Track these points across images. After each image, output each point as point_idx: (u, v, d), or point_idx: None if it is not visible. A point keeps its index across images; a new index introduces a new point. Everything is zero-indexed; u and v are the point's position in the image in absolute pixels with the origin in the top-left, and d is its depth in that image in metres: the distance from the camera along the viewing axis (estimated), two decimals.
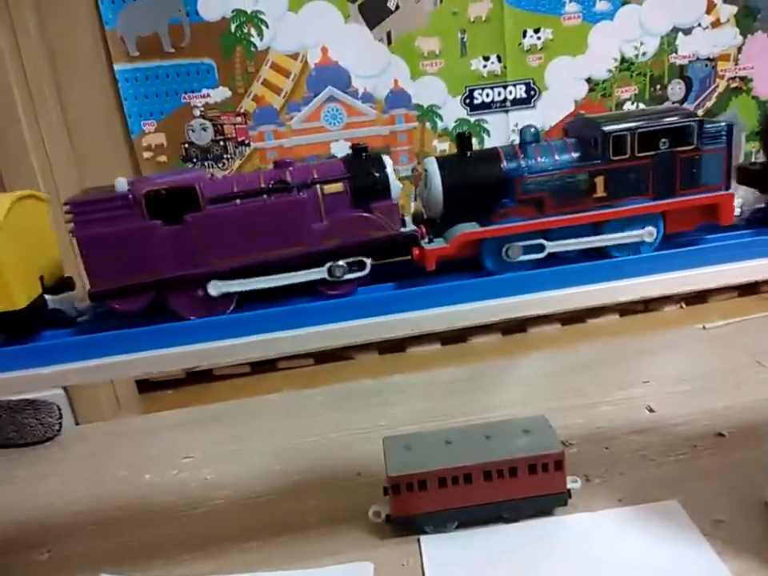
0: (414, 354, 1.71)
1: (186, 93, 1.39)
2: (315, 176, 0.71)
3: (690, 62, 1.54)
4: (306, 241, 0.71)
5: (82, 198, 0.70)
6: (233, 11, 1.36)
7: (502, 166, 0.73)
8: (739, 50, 1.56)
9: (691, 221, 0.73)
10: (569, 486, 1.03)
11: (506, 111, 1.50)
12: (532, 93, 1.50)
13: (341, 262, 0.71)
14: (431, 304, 0.72)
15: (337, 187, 0.71)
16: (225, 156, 1.43)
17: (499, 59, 1.47)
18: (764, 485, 1.02)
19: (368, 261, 0.73)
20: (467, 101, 1.49)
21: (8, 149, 1.32)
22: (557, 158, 0.73)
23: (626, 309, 1.76)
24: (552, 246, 0.72)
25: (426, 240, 0.73)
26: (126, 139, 1.40)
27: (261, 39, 1.38)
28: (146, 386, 1.57)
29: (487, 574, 0.95)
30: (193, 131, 1.41)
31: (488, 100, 1.49)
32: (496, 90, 1.49)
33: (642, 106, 1.55)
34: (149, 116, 1.39)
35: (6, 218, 0.68)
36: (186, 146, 1.42)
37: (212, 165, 1.42)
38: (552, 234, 0.72)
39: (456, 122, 1.50)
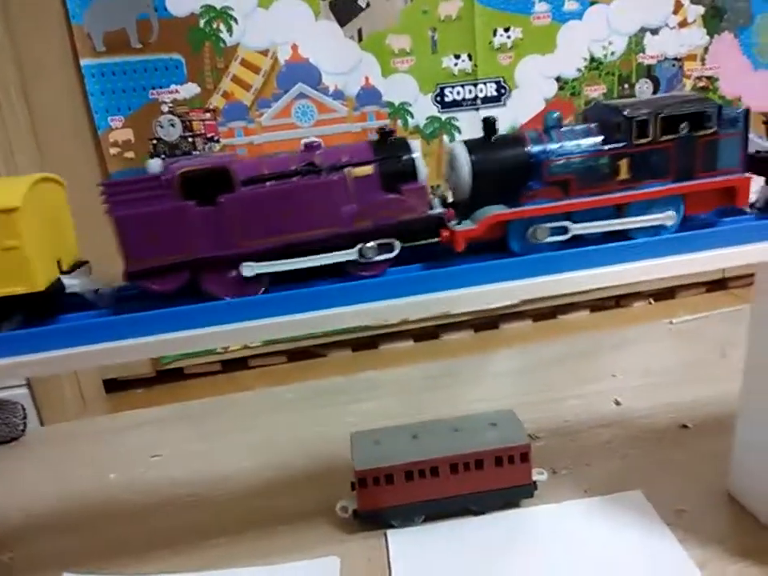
0: (387, 351, 1.72)
1: (153, 88, 1.38)
2: (344, 159, 0.72)
3: (657, 61, 1.57)
4: (337, 222, 0.72)
5: (117, 179, 0.72)
6: (202, 7, 1.35)
7: (528, 149, 0.74)
8: (706, 50, 1.59)
9: (710, 203, 0.76)
10: (535, 477, 1.04)
11: (477, 109, 1.51)
12: (502, 91, 1.52)
13: (371, 244, 0.72)
14: (460, 284, 0.73)
15: (366, 170, 0.72)
16: (193, 152, 1.42)
17: (470, 57, 1.48)
18: (726, 475, 1.04)
19: (397, 242, 0.74)
20: (438, 98, 1.50)
21: None
22: (581, 141, 0.75)
23: (597, 305, 1.78)
24: (577, 228, 0.74)
25: (455, 222, 0.74)
26: (92, 135, 1.38)
27: (230, 35, 1.37)
28: (114, 385, 1.55)
29: (453, 567, 0.96)
30: (161, 127, 1.40)
31: (459, 98, 1.50)
32: (467, 87, 1.50)
33: None
34: (116, 112, 1.38)
35: (25, 199, 0.69)
36: (154, 142, 1.40)
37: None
38: (576, 215, 0.74)
39: (427, 119, 1.51)
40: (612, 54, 1.53)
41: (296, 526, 1.07)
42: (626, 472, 1.11)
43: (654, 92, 1.58)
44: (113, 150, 1.40)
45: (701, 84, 1.60)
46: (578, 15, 1.49)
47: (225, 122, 1.42)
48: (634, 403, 1.31)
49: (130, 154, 1.40)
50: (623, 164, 0.74)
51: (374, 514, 1.02)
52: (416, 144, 0.74)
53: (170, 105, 1.39)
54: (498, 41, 1.48)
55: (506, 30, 1.47)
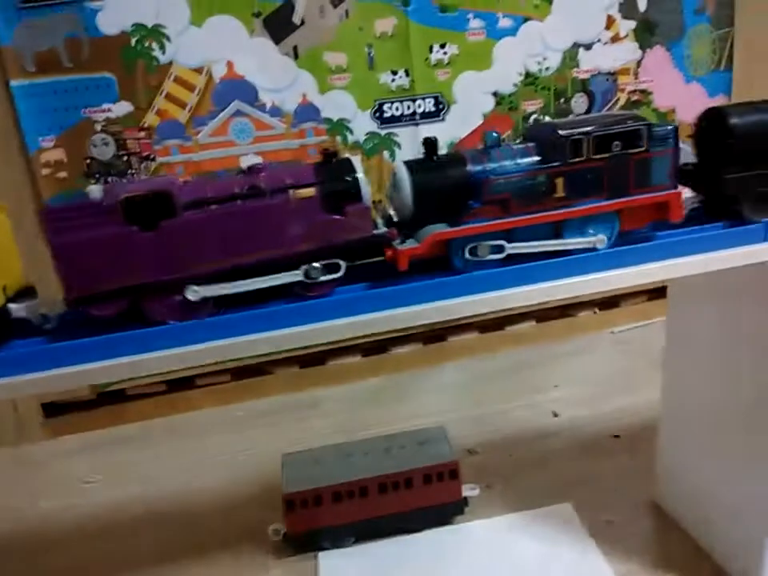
0: (335, 366, 1.71)
1: (86, 107, 1.36)
2: (288, 181, 0.73)
3: (591, 76, 1.60)
4: (282, 244, 0.72)
5: (56, 205, 0.71)
6: (132, 25, 1.34)
7: (468, 169, 0.76)
8: (639, 63, 1.63)
9: (644, 218, 0.79)
10: (467, 493, 1.05)
11: (416, 124, 1.53)
12: (441, 106, 1.53)
13: (316, 264, 0.73)
14: (404, 302, 0.75)
15: (309, 192, 0.73)
16: (129, 171, 1.40)
17: (407, 73, 1.49)
18: (653, 485, 1.06)
19: (343, 262, 0.75)
20: (377, 114, 1.50)
21: None
22: (519, 160, 0.77)
23: (543, 315, 1.80)
24: (511, 248, 0.77)
25: (398, 241, 0.76)
26: (23, 156, 1.36)
27: (163, 53, 1.36)
28: (53, 409, 1.52)
29: None
30: (94, 146, 1.38)
31: (397, 113, 1.51)
32: (405, 103, 1.51)
33: (547, 118, 1.59)
34: (47, 132, 1.36)
35: None
36: (88, 161, 1.38)
37: (115, 181, 1.39)
38: (516, 232, 0.77)
39: (367, 135, 1.51)
40: (547, 69, 1.56)
41: (229, 550, 1.06)
42: (559, 484, 1.12)
43: (589, 106, 1.61)
44: (45, 171, 1.38)
45: (635, 97, 1.64)
46: (512, 32, 1.51)
47: (160, 140, 1.41)
48: (571, 414, 1.33)
49: (62, 174, 1.38)
50: (559, 182, 0.77)
51: (304, 536, 1.02)
52: (359, 164, 0.75)
53: (103, 124, 1.37)
54: (434, 57, 1.49)
55: (442, 46, 1.49)
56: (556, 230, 0.78)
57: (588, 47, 1.57)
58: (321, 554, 1.01)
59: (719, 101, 1.67)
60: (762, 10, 1.62)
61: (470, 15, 1.49)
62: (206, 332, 0.72)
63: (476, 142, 1.60)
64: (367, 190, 0.75)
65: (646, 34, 1.62)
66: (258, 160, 1.46)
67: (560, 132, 0.76)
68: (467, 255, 0.75)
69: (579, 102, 1.60)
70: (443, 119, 1.54)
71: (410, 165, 0.76)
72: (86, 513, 1.18)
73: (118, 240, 0.69)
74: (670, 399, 1.01)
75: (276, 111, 1.45)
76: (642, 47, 1.62)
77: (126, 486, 1.25)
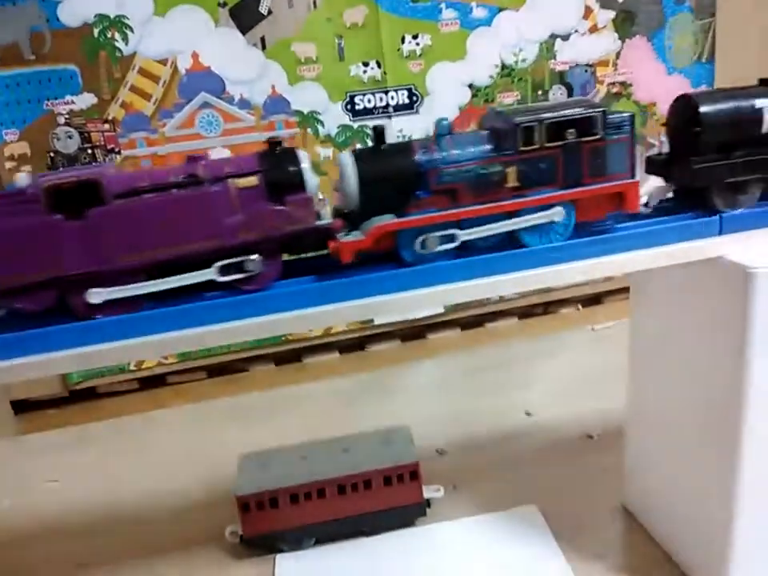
0: (311, 364, 1.68)
1: (48, 100, 1.33)
2: (228, 170, 0.71)
3: (569, 67, 1.56)
4: (219, 235, 0.70)
5: None
6: (95, 16, 1.31)
7: (415, 157, 0.73)
8: (618, 55, 1.59)
9: (601, 209, 0.76)
10: (430, 495, 1.02)
11: (389, 117, 1.49)
12: (414, 98, 1.50)
13: (254, 256, 0.71)
14: (348, 296, 0.72)
15: (250, 181, 0.71)
16: (94, 165, 1.37)
17: (379, 65, 1.46)
18: (622, 488, 1.03)
19: (282, 255, 0.73)
20: (349, 107, 1.47)
21: None
22: (470, 149, 0.74)
23: (525, 311, 1.77)
24: (464, 235, 0.73)
25: (343, 233, 0.73)
26: None
27: (126, 44, 1.33)
28: (23, 405, 1.50)
29: None
30: (58, 139, 1.35)
31: (370, 106, 1.48)
32: (378, 95, 1.48)
33: None
34: (10, 125, 1.33)
35: None
36: (52, 154, 1.36)
37: None
38: (468, 224, 0.74)
39: (338, 127, 1.48)
40: (523, 60, 1.52)
41: (186, 551, 1.03)
42: (527, 486, 1.09)
43: (568, 98, 1.58)
44: (8, 165, 1.35)
45: (614, 90, 1.60)
46: (487, 22, 1.48)
47: (125, 133, 1.38)
48: (544, 414, 1.30)
49: (26, 168, 1.35)
50: (511, 171, 0.74)
51: (261, 538, 0.99)
52: (304, 154, 0.73)
53: (67, 116, 1.34)
54: (406, 48, 1.46)
55: (414, 37, 1.45)
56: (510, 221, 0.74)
57: (565, 38, 1.54)
58: (278, 557, 0.99)
59: None
60: None
61: (443, 5, 1.46)
62: (135, 327, 0.69)
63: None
64: (312, 181, 0.72)
65: (625, 24, 1.58)
66: (227, 153, 1.43)
67: (512, 119, 0.73)
68: (416, 247, 0.72)
69: (557, 95, 1.57)
70: (417, 111, 1.51)
71: (355, 154, 0.73)
72: (45, 512, 1.16)
73: (40, 229, 0.66)
74: (635, 400, 0.98)
75: (245, 104, 1.42)
76: (622, 38, 1.58)
77: (89, 486, 1.22)
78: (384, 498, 0.99)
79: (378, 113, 1.49)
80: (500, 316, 1.77)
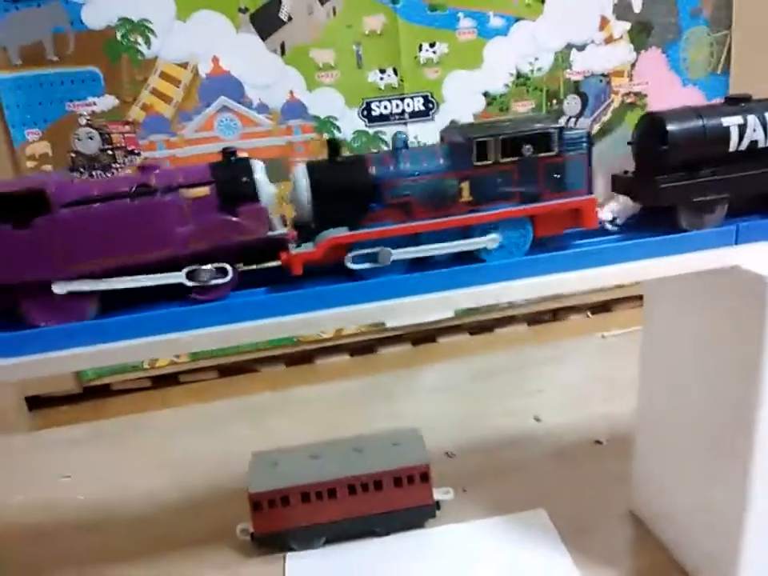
0: (322, 365, 1.70)
1: (71, 101, 1.35)
2: (180, 180, 0.71)
3: (584, 77, 1.57)
4: (170, 245, 0.70)
5: None
6: (118, 19, 1.34)
7: (370, 171, 0.74)
8: (633, 65, 1.60)
9: (559, 225, 0.76)
10: (439, 497, 1.03)
11: (405, 123, 1.51)
12: (430, 105, 1.51)
13: (207, 266, 0.71)
14: (301, 308, 0.72)
15: (203, 191, 0.71)
16: (114, 165, 1.40)
17: (395, 72, 1.48)
18: (630, 494, 1.03)
19: (236, 265, 0.73)
20: (365, 113, 1.49)
21: None
22: (425, 163, 0.75)
23: (534, 318, 1.78)
24: (416, 251, 0.73)
25: (296, 245, 0.73)
26: (8, 148, 1.36)
27: (148, 47, 1.36)
28: (37, 402, 1.52)
29: None
30: (79, 140, 1.37)
31: (386, 112, 1.50)
32: (394, 102, 1.49)
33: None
34: (33, 125, 1.36)
35: None
36: (73, 155, 1.38)
37: (100, 174, 1.39)
38: (423, 237, 0.74)
39: (354, 133, 1.50)
40: (539, 69, 1.54)
41: (198, 548, 1.05)
42: (535, 490, 1.10)
43: (583, 107, 1.59)
44: (30, 164, 1.38)
45: (629, 100, 1.61)
46: (504, 31, 1.50)
47: (145, 135, 1.41)
48: (553, 419, 1.31)
49: (48, 167, 1.38)
50: (465, 186, 0.74)
51: (271, 537, 1.00)
52: (259, 165, 0.73)
53: (88, 117, 1.37)
54: (423, 56, 1.48)
55: (432, 45, 1.47)
56: (465, 236, 0.75)
57: (581, 48, 1.55)
58: (288, 555, 1.00)
59: None
60: (760, 12, 1.60)
61: (461, 14, 1.48)
62: (84, 336, 0.70)
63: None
64: (267, 191, 0.72)
65: (641, 35, 1.59)
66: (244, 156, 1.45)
67: (467, 134, 0.73)
68: (368, 261, 0.73)
69: (572, 104, 1.58)
70: (432, 118, 1.52)
71: (309, 166, 0.74)
72: (60, 508, 1.18)
73: None
74: (645, 407, 0.99)
75: (263, 108, 1.44)
76: (637, 49, 1.59)
77: (102, 483, 1.24)
78: (394, 499, 1.00)
79: (395, 119, 1.50)
80: (509, 322, 1.78)
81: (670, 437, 0.91)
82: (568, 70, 1.56)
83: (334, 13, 1.42)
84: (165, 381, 1.60)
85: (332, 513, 1.00)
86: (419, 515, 1.03)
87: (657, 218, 0.77)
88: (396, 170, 0.74)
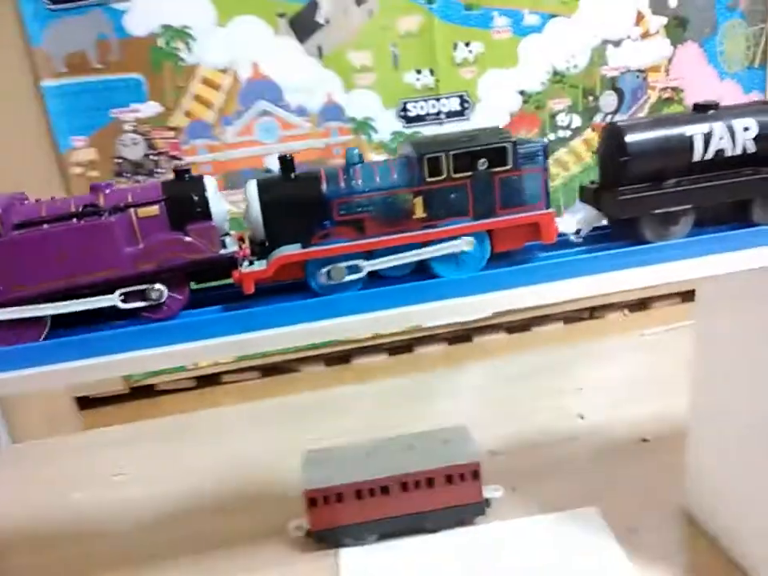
0: (360, 365, 1.71)
1: (115, 108, 1.39)
2: (129, 199, 0.72)
3: (621, 73, 1.57)
4: (118, 264, 0.71)
5: None
6: (161, 27, 1.36)
7: (320, 187, 0.74)
8: (670, 60, 1.59)
9: (518, 239, 0.75)
10: (489, 495, 1.04)
11: (441, 123, 1.52)
12: (465, 105, 1.52)
13: (157, 286, 0.71)
14: (254, 327, 0.72)
15: (152, 210, 0.72)
16: (157, 170, 1.43)
17: (432, 72, 1.49)
18: (682, 492, 1.03)
19: (187, 284, 0.73)
20: (402, 113, 1.50)
21: None
22: (377, 179, 0.74)
23: (571, 316, 1.78)
24: (369, 266, 0.73)
25: (248, 263, 0.74)
26: (55, 155, 1.39)
27: (190, 54, 1.38)
28: (86, 402, 1.56)
29: None
30: (124, 146, 1.40)
31: (422, 112, 1.51)
32: (430, 102, 1.50)
33: (575, 117, 1.57)
34: (78, 132, 1.39)
35: None
36: (118, 161, 1.41)
37: (145, 179, 1.42)
38: (378, 255, 0.74)
39: (392, 134, 1.51)
40: (575, 66, 1.53)
41: (252, 544, 1.06)
42: (584, 488, 1.10)
43: (619, 104, 1.59)
44: (77, 170, 1.41)
45: (666, 95, 1.60)
46: (539, 29, 1.50)
47: (188, 140, 1.43)
48: (597, 417, 1.30)
49: (94, 173, 1.41)
50: (418, 202, 0.73)
51: (326, 533, 1.02)
52: (211, 182, 0.73)
53: (133, 124, 1.40)
54: (459, 55, 1.48)
55: (467, 44, 1.48)
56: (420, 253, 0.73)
57: (617, 44, 1.55)
58: (342, 551, 1.01)
59: (754, 97, 1.63)
60: None
61: (495, 12, 1.48)
62: (36, 356, 0.70)
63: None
64: (219, 208, 0.73)
65: (677, 30, 1.58)
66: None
67: (418, 150, 0.72)
68: (323, 278, 0.73)
69: (608, 101, 1.57)
70: (468, 118, 1.53)
71: (261, 183, 0.73)
72: (115, 505, 1.20)
73: None
74: (699, 404, 0.98)
75: (302, 111, 1.46)
76: (674, 44, 1.58)
77: (154, 480, 1.26)
78: (445, 496, 1.01)
79: (431, 119, 1.51)
80: (546, 320, 1.78)
81: (726, 434, 0.91)
82: (604, 67, 1.56)
83: (371, 14, 1.43)
84: (208, 381, 1.63)
85: (385, 509, 1.01)
86: (469, 512, 1.03)
87: (623, 229, 0.77)
88: (348, 187, 0.73)
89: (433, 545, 1.01)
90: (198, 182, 0.73)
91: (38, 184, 1.36)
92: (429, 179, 0.72)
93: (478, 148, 0.72)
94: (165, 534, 1.11)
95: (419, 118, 1.51)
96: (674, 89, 1.61)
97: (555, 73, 1.54)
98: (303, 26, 1.41)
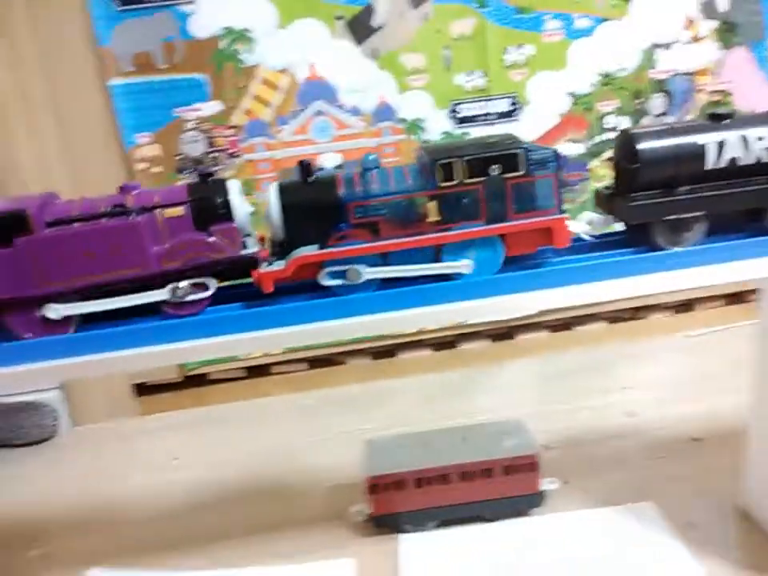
0: (405, 359, 1.74)
1: (179, 107, 1.44)
2: (156, 200, 0.76)
3: (669, 76, 1.58)
4: (145, 263, 0.74)
5: None
6: (223, 29, 1.41)
7: (337, 191, 0.77)
8: (719, 64, 1.60)
9: (530, 244, 0.77)
10: (545, 487, 1.06)
11: (490, 124, 1.55)
12: (515, 107, 1.54)
13: (183, 283, 0.75)
14: (273, 324, 0.76)
15: (177, 211, 0.75)
16: (216, 167, 1.47)
17: (482, 74, 1.51)
18: (737, 489, 1.04)
19: (211, 282, 0.76)
20: (452, 114, 1.53)
21: (3, 162, 1.37)
22: (392, 184, 0.77)
23: (613, 316, 1.79)
24: (373, 272, 0.76)
25: (267, 263, 0.77)
26: (120, 151, 1.45)
27: (250, 55, 1.43)
28: (143, 388, 1.61)
29: (461, 573, 0.98)
30: (186, 143, 1.45)
31: (472, 114, 1.54)
32: (479, 103, 1.53)
33: (623, 119, 1.59)
34: (143, 129, 1.44)
35: None
36: (180, 157, 1.46)
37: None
38: (392, 257, 0.77)
39: (442, 135, 1.54)
40: (624, 69, 1.55)
41: (311, 528, 1.09)
42: (637, 483, 1.11)
43: (668, 106, 1.60)
44: (141, 166, 1.46)
45: (714, 98, 1.61)
46: (589, 32, 1.52)
47: (246, 138, 1.48)
48: (647, 415, 1.32)
49: (157, 169, 1.46)
50: (431, 206, 0.75)
51: (386, 518, 1.05)
52: (235, 185, 0.77)
53: (195, 122, 1.45)
54: (510, 58, 1.51)
55: (518, 47, 1.50)
56: (436, 255, 0.77)
57: (666, 47, 1.56)
58: (402, 536, 1.04)
59: None
60: None
61: (547, 16, 1.51)
62: (66, 348, 0.74)
63: (549, 143, 1.61)
64: (241, 210, 0.76)
65: (727, 34, 1.59)
66: (337, 158, 1.51)
67: (432, 155, 0.75)
68: (338, 278, 0.76)
69: (657, 103, 1.59)
70: (517, 119, 1.55)
71: (281, 187, 0.77)
72: (176, 488, 1.25)
73: None
74: (759, 402, 0.99)
75: (356, 111, 1.50)
76: (723, 48, 1.59)
77: (213, 465, 1.31)
78: (503, 486, 1.04)
79: (480, 121, 1.54)
80: (588, 320, 1.79)
81: None
82: (653, 70, 1.57)
83: (426, 17, 1.47)
84: (258, 371, 1.67)
85: (444, 497, 1.03)
86: (526, 503, 1.06)
87: (637, 235, 0.78)
88: (364, 191, 0.76)
89: (491, 534, 1.04)
90: (222, 184, 0.77)
91: (104, 178, 1.42)
92: (442, 184, 0.75)
93: (491, 154, 0.74)
94: (227, 516, 1.15)
95: (469, 119, 1.54)
96: (722, 92, 1.61)
97: (604, 75, 1.56)
98: (360, 28, 1.45)
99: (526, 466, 1.03)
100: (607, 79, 1.56)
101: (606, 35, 1.53)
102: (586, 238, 0.83)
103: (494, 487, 1.04)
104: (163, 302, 0.76)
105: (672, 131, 0.76)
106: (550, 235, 0.76)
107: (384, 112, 1.51)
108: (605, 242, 0.83)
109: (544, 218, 0.76)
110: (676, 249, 0.76)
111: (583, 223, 0.83)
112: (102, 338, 0.75)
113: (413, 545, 1.03)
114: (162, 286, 0.75)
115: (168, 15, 1.39)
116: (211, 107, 1.44)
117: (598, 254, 0.80)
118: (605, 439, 1.26)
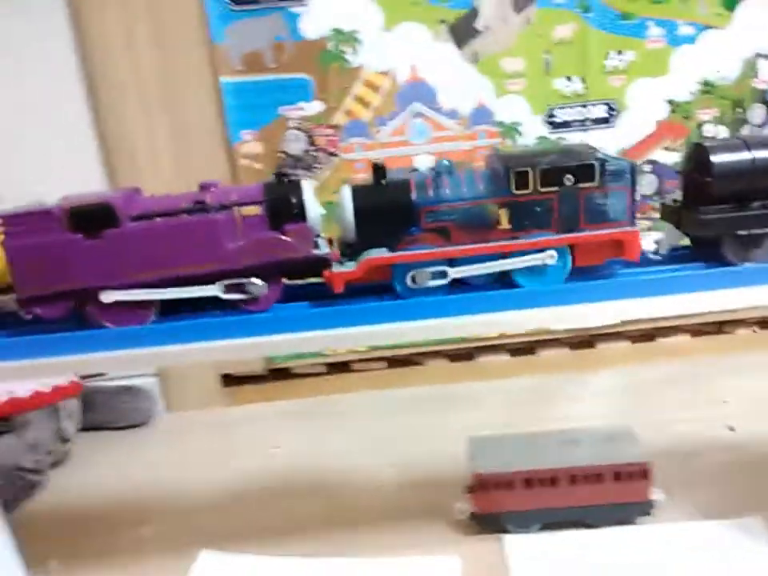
0: (483, 363, 1.74)
1: (283, 105, 1.47)
2: (233, 198, 0.78)
3: None
4: (221, 258, 0.76)
5: (12, 211, 0.77)
6: (332, 30, 1.44)
7: (410, 195, 0.77)
8: None
9: (600, 255, 0.77)
10: (653, 497, 1.05)
11: (585, 130, 1.54)
12: (612, 113, 1.54)
13: (255, 280, 0.77)
14: (340, 324, 0.77)
15: (253, 210, 0.78)
16: (315, 166, 1.51)
17: (581, 80, 1.51)
18: None
19: (281, 280, 0.78)
20: (548, 119, 1.53)
21: (119, 152, 1.45)
22: (464, 190, 0.77)
23: (698, 329, 1.76)
24: (454, 273, 0.76)
25: (338, 263, 0.78)
26: (226, 146, 1.49)
27: (355, 56, 1.46)
28: (230, 380, 1.65)
29: None
30: (287, 141, 1.49)
31: (569, 119, 1.53)
32: (576, 108, 1.53)
33: (721, 128, 1.56)
34: (248, 126, 1.49)
35: None
36: (281, 155, 1.50)
37: (304, 173, 1.50)
38: (462, 262, 0.76)
39: (537, 139, 1.54)
40: (725, 78, 1.53)
41: (412, 522, 1.11)
42: (742, 498, 1.10)
43: (767, 117, 1.57)
44: (244, 162, 1.51)
45: None
46: (692, 39, 1.50)
47: (346, 138, 1.50)
48: (749, 429, 1.29)
49: (259, 166, 1.50)
50: (503, 214, 0.75)
51: (491, 517, 1.05)
52: (309, 186, 0.78)
53: (297, 121, 1.48)
54: (610, 63, 1.50)
55: (619, 52, 1.50)
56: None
57: None
58: (507, 537, 1.04)
59: None
60: None
61: (650, 22, 1.49)
62: (144, 338, 0.77)
63: (645, 150, 1.59)
64: (315, 211, 0.78)
65: None
66: (431, 159, 1.53)
67: (506, 163, 0.75)
68: (407, 282, 0.76)
69: (757, 113, 1.56)
70: (613, 125, 1.54)
71: (354, 189, 0.78)
72: (276, 476, 1.28)
73: (62, 245, 0.75)
74: None
75: (453, 114, 1.51)
76: None
77: (308, 455, 1.34)
78: (612, 493, 1.03)
79: (576, 126, 1.54)
80: (672, 331, 1.76)
81: None
82: (755, 79, 1.54)
83: (528, 22, 1.47)
84: (339, 367, 1.70)
85: (550, 500, 1.03)
86: (634, 512, 1.05)
87: (704, 250, 0.76)
88: (436, 196, 0.76)
89: (598, 540, 1.04)
90: (297, 185, 0.79)
91: (210, 172, 1.46)
92: (515, 192, 0.75)
93: (566, 164, 0.74)
94: (330, 506, 1.18)
95: (565, 124, 1.54)
96: None
97: (705, 83, 1.53)
98: (462, 32, 1.46)
99: (638, 473, 1.03)
100: (708, 87, 1.53)
101: (708, 43, 1.51)
102: (654, 257, 0.82)
103: (602, 493, 1.03)
104: (236, 297, 0.78)
105: (746, 145, 0.75)
106: (620, 247, 0.76)
107: (481, 115, 1.52)
108: (670, 256, 0.82)
109: (616, 229, 0.75)
110: (745, 264, 0.76)
111: (652, 241, 0.82)
112: (180, 329, 0.78)
113: (519, 546, 1.03)
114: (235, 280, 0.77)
115: (279, 15, 1.43)
116: (314, 107, 1.48)
117: (665, 267, 0.79)
118: (705, 452, 1.24)
